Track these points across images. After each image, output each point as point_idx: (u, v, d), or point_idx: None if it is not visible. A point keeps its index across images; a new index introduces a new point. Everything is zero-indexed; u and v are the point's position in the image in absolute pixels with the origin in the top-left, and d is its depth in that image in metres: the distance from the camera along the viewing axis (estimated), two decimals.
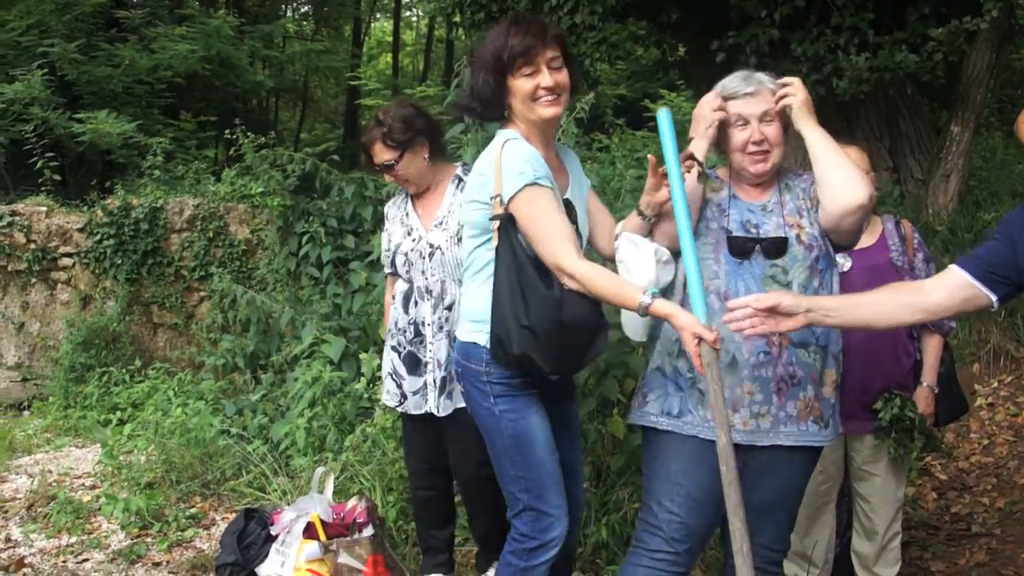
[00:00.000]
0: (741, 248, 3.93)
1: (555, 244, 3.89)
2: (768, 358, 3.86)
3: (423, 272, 5.19)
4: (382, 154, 5.27)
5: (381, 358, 5.80)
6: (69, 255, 11.60)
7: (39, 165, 12.75)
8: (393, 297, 5.43)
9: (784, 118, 4.02)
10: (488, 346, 4.09)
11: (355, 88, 25.23)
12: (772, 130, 4.00)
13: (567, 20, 10.65)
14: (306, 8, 32.55)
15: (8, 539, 6.66)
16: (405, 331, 5.28)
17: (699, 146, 3.98)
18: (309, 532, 5.34)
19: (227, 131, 11.09)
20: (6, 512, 7.17)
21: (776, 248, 3.92)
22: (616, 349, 5.65)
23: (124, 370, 10.44)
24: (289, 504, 6.00)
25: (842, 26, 9.60)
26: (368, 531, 5.42)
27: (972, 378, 8.46)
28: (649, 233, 4.09)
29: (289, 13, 31.25)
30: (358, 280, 8.77)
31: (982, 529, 6.53)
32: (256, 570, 5.45)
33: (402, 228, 5.39)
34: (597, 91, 11.58)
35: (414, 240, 5.25)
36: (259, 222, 11.21)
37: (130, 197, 11.79)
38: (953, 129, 10.51)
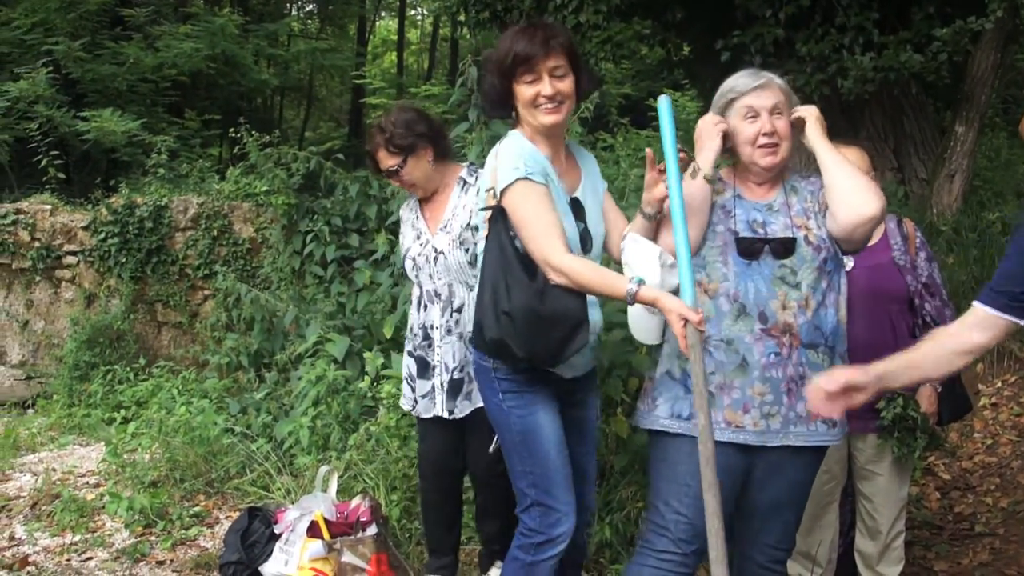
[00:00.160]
0: (749, 249, 3.93)
1: (542, 239, 3.94)
2: (778, 359, 3.86)
3: (431, 276, 5.22)
4: (386, 160, 5.30)
5: (385, 357, 5.81)
6: (73, 253, 11.63)
7: (43, 163, 12.76)
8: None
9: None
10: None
11: (360, 87, 25.25)
12: (782, 123, 4.01)
13: (572, 19, 10.66)
14: (311, 6, 32.55)
15: (12, 537, 6.67)
16: (416, 335, 5.33)
17: (706, 159, 3.99)
18: (313, 531, 5.35)
19: (231, 129, 11.09)
20: (10, 510, 7.17)
21: (785, 248, 3.91)
22: (619, 348, 5.65)
23: (128, 368, 10.44)
24: (293, 503, 6.00)
25: (847, 26, 9.60)
26: (372, 530, 5.43)
27: (976, 378, 8.45)
28: (655, 235, 4.09)
29: (294, 11, 31.26)
30: (362, 279, 8.78)
31: (985, 529, 6.52)
32: (260, 569, 5.46)
33: (412, 231, 5.42)
34: (602, 90, 11.60)
35: (422, 244, 5.28)
36: (263, 220, 11.21)
37: (134, 195, 11.81)
38: (957, 129, 10.51)
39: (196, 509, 7.00)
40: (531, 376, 4.18)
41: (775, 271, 3.90)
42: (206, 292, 11.48)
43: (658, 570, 4.01)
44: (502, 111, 4.35)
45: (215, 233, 11.34)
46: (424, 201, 5.43)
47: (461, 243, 5.05)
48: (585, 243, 4.23)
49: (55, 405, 10.47)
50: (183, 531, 6.65)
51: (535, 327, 3.96)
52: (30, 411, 10.88)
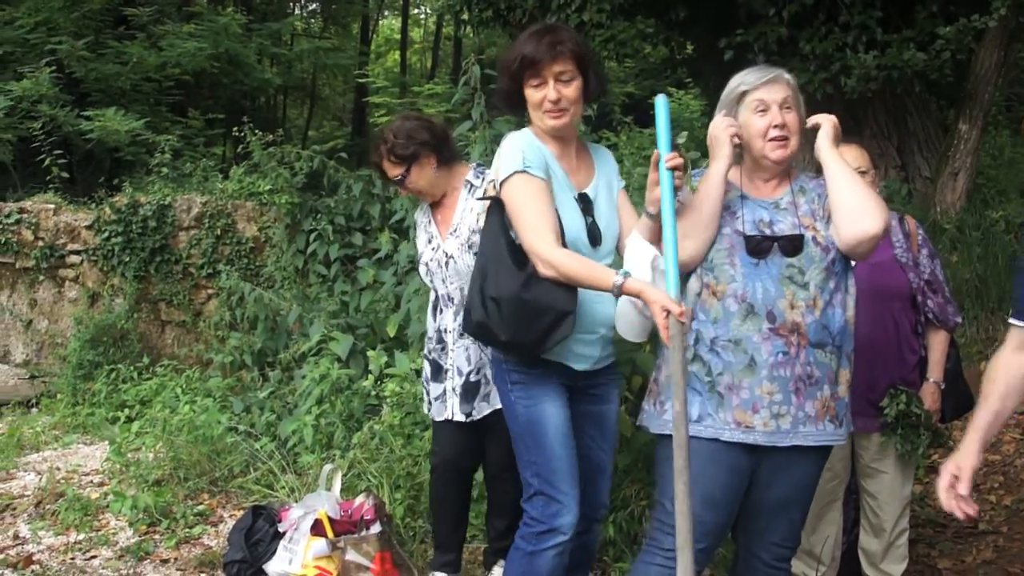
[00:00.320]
0: (757, 248, 3.92)
1: (533, 231, 4.04)
2: (786, 358, 3.85)
3: (443, 280, 5.25)
4: (390, 170, 5.37)
5: (389, 355, 5.84)
6: (77, 252, 11.63)
7: (47, 163, 12.75)
8: None
9: (801, 112, 4.05)
10: None
11: (363, 86, 25.32)
12: (791, 117, 4.01)
13: (575, 18, 10.66)
14: (314, 6, 32.57)
15: (16, 536, 6.68)
16: (432, 339, 5.38)
17: (718, 168, 3.99)
18: (317, 529, 5.35)
19: (235, 128, 11.10)
20: (14, 509, 7.18)
21: (793, 246, 3.91)
22: (623, 346, 5.66)
23: (132, 367, 10.45)
24: (297, 501, 6.01)
25: (850, 24, 9.61)
26: (376, 528, 5.44)
27: (980, 376, 8.41)
28: (658, 234, 4.10)
29: (297, 11, 31.25)
30: (366, 278, 8.79)
31: (989, 527, 6.52)
32: (264, 567, 5.47)
33: (425, 235, 5.47)
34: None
35: (433, 249, 5.32)
36: (267, 219, 11.20)
37: (138, 195, 11.81)
38: (961, 127, 10.52)
39: (200, 508, 7.01)
40: (540, 368, 4.25)
41: (783, 270, 3.89)
42: (210, 291, 11.48)
43: (665, 568, 4.01)
44: (514, 111, 4.43)
45: (219, 232, 11.34)
46: (435, 206, 5.47)
47: (470, 247, 5.07)
48: (595, 239, 4.28)
49: (59, 404, 10.47)
50: (187, 530, 6.66)
51: (519, 315, 4.05)
52: (34, 410, 10.88)
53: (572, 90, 4.18)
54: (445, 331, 5.26)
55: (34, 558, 6.24)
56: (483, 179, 5.17)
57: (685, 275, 4.06)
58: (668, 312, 3.68)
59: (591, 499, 4.44)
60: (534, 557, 4.25)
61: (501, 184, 4.19)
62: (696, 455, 3.92)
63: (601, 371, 4.42)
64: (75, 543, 6.51)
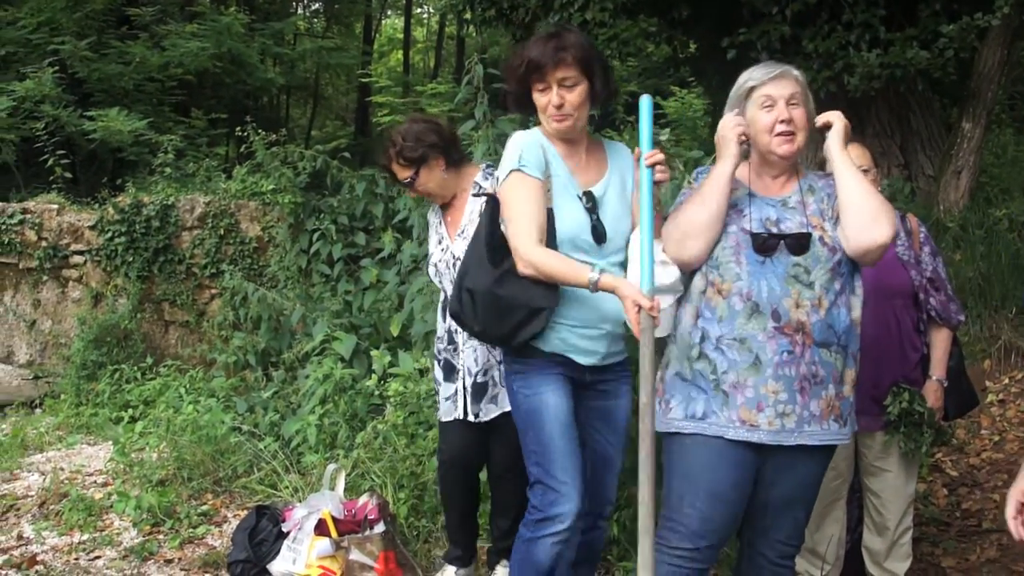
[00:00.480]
0: (764, 245, 3.93)
1: (517, 229, 4.20)
2: (791, 357, 3.86)
3: (452, 281, 5.23)
4: (399, 172, 5.41)
5: (392, 355, 5.86)
6: (80, 253, 11.63)
7: (50, 163, 12.77)
8: None
9: (809, 107, 4.07)
10: None
11: (366, 85, 25.31)
12: (798, 112, 4.03)
13: (578, 16, 10.65)
14: (317, 5, 32.56)
15: (20, 536, 6.68)
16: (442, 339, 5.41)
17: (724, 167, 4.01)
18: (321, 529, 5.36)
19: (238, 128, 11.10)
20: (18, 510, 7.19)
21: (800, 245, 3.92)
22: (626, 345, 5.66)
23: (136, 367, 10.44)
24: (301, 501, 6.02)
25: (853, 22, 9.60)
26: (379, 528, 5.44)
27: (983, 374, 8.45)
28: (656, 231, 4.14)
29: (300, 10, 31.23)
30: (369, 277, 8.80)
31: (993, 525, 6.51)
32: (268, 567, 5.48)
33: (435, 236, 5.52)
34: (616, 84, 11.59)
35: (443, 250, 5.37)
36: (270, 219, 11.20)
37: (141, 195, 11.80)
38: (964, 125, 10.51)
39: (204, 507, 7.02)
40: (544, 360, 4.32)
41: (789, 269, 3.90)
42: (213, 291, 11.47)
43: (673, 567, 4.03)
44: (524, 111, 4.55)
45: (222, 232, 11.33)
46: (445, 207, 5.50)
47: None
48: (599, 236, 4.31)
49: (63, 404, 10.48)
50: (191, 529, 6.66)
51: (491, 308, 4.27)
52: (38, 411, 10.88)
53: (576, 95, 4.25)
54: (456, 331, 5.26)
55: (38, 558, 6.25)
56: (490, 180, 5.18)
57: (689, 273, 4.08)
58: (640, 307, 3.79)
59: (597, 495, 4.47)
60: (531, 544, 4.31)
61: (500, 182, 4.31)
62: (701, 452, 3.95)
63: (610, 367, 4.45)
64: (79, 543, 6.52)
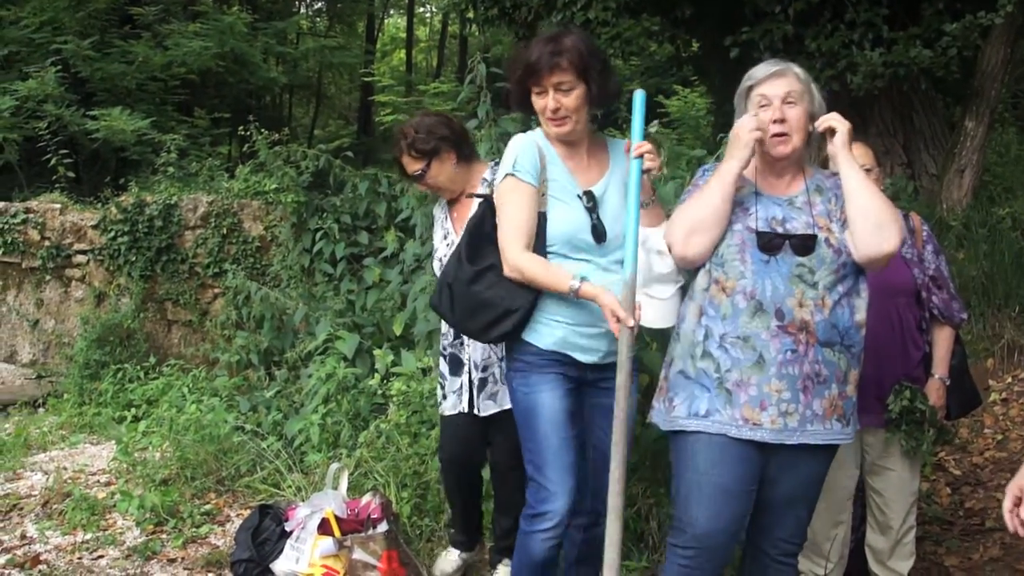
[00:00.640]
0: (769, 244, 3.93)
1: (506, 234, 4.32)
2: (795, 356, 3.86)
3: None
4: (410, 165, 5.42)
5: (395, 354, 5.88)
6: (83, 252, 11.63)
7: (53, 162, 12.78)
8: None
9: (812, 104, 4.07)
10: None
11: (369, 84, 25.37)
12: (794, 112, 4.02)
13: (580, 16, 10.67)
14: (319, 4, 32.55)
15: (24, 536, 6.67)
16: (447, 335, 5.44)
17: (731, 166, 4.00)
18: (323, 528, 5.36)
19: (241, 128, 11.08)
20: (21, 509, 7.18)
21: (805, 246, 3.92)
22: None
23: (138, 367, 10.44)
24: (303, 500, 6.01)
25: (856, 22, 9.61)
26: (382, 527, 5.44)
27: (986, 373, 8.45)
28: (654, 222, 4.31)
29: (303, 9, 31.24)
30: (372, 276, 8.80)
31: (996, 524, 6.51)
32: (271, 566, 5.47)
33: (441, 231, 5.57)
34: (619, 84, 11.60)
35: (448, 245, 5.38)
36: (273, 218, 11.20)
37: (144, 194, 11.80)
38: (967, 124, 10.51)
39: (207, 507, 7.01)
40: (544, 358, 4.37)
41: (793, 269, 3.90)
42: (216, 290, 11.48)
43: (684, 568, 4.05)
44: (524, 111, 4.56)
45: (225, 231, 11.34)
46: (453, 202, 5.53)
47: None
48: (599, 236, 4.32)
49: (66, 404, 10.47)
50: (194, 529, 6.65)
51: (466, 305, 4.44)
52: (41, 410, 10.86)
53: (572, 99, 4.28)
54: None
55: (41, 558, 6.25)
56: None
57: (693, 271, 4.09)
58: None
59: (600, 492, 4.47)
60: (526, 538, 4.42)
61: (498, 185, 4.40)
62: (705, 450, 3.96)
63: (613, 365, 4.43)
64: (82, 543, 6.51)
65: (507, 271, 4.28)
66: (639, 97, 4.21)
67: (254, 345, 9.52)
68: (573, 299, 4.21)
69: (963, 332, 5.45)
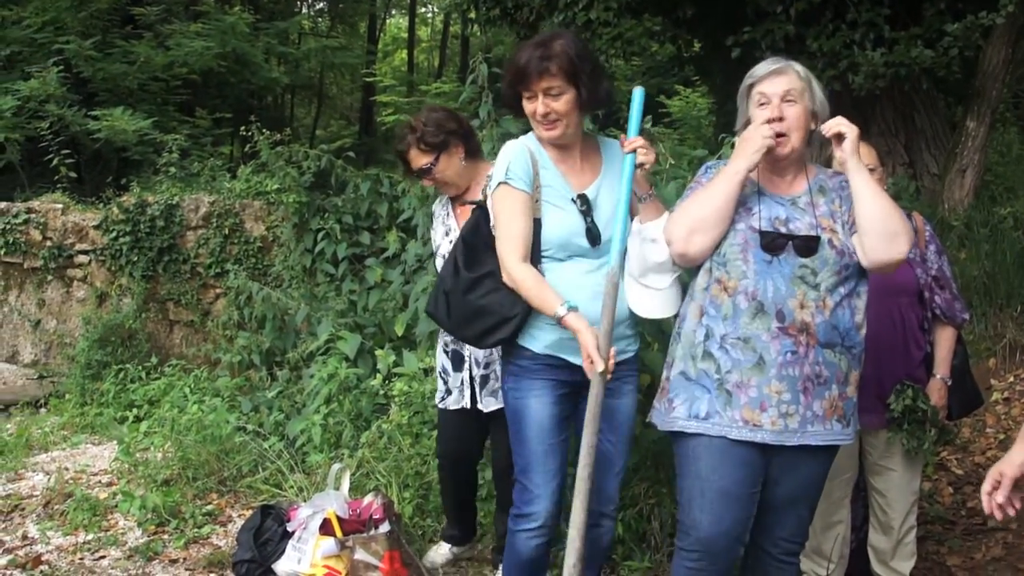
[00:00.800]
0: (772, 244, 3.91)
1: (504, 242, 4.32)
2: (795, 357, 3.84)
3: None
4: (418, 159, 5.41)
5: (397, 354, 5.89)
6: (85, 252, 11.64)
7: (55, 162, 12.80)
8: None
9: (812, 102, 4.06)
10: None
11: (370, 84, 25.37)
12: (793, 110, 4.00)
13: (582, 16, 10.67)
14: (321, 4, 32.59)
15: (25, 536, 6.68)
16: None
17: (739, 167, 3.97)
18: (325, 528, 5.36)
19: (242, 128, 11.09)
20: (23, 510, 7.18)
21: (808, 247, 3.90)
22: (630, 343, 5.66)
23: (140, 367, 10.45)
24: (305, 501, 6.02)
25: (858, 22, 9.61)
26: (384, 527, 5.44)
27: (988, 373, 8.45)
28: (653, 214, 4.34)
29: (304, 10, 31.27)
30: (373, 276, 8.80)
31: (998, 524, 6.49)
32: (273, 567, 5.47)
33: (443, 228, 5.57)
34: (612, 87, 11.61)
35: (450, 242, 5.33)
36: (275, 219, 11.21)
37: (146, 194, 11.82)
38: (969, 124, 10.51)
39: (209, 507, 7.01)
40: (537, 363, 4.39)
41: (795, 270, 3.88)
42: (218, 290, 11.49)
43: (690, 570, 4.06)
44: (518, 114, 4.53)
45: (226, 231, 11.35)
46: (455, 199, 5.54)
47: None
48: (594, 239, 4.32)
49: (67, 404, 10.47)
50: (196, 529, 6.65)
51: (463, 312, 4.46)
52: (43, 410, 10.87)
53: (562, 104, 4.26)
54: None
55: (43, 558, 6.25)
56: None
57: (694, 269, 4.09)
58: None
59: (597, 492, 4.48)
60: (512, 537, 4.50)
61: (491, 192, 4.40)
62: (707, 454, 3.95)
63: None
64: (84, 543, 6.51)
65: (504, 279, 4.29)
66: (638, 94, 4.25)
67: (256, 345, 9.52)
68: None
69: (965, 332, 5.45)
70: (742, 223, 3.99)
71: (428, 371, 6.86)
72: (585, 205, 4.33)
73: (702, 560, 4.01)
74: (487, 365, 5.25)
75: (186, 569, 6.11)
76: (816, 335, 3.84)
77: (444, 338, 5.47)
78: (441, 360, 5.53)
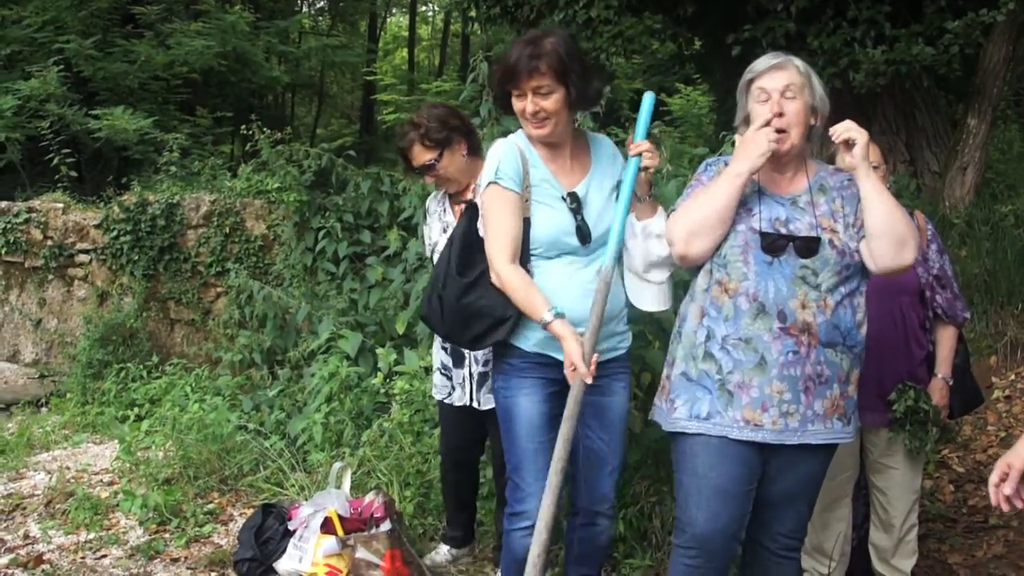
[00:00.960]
0: (773, 245, 3.89)
1: (493, 243, 4.30)
2: (796, 358, 3.83)
3: None
4: (421, 155, 5.38)
5: (398, 353, 5.89)
6: (86, 251, 11.64)
7: (56, 162, 12.79)
8: None
9: (812, 98, 4.03)
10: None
11: (371, 83, 25.40)
12: (792, 106, 3.96)
13: (583, 14, 10.67)
14: (322, 3, 32.60)
15: (27, 535, 6.68)
16: None
17: (742, 169, 3.92)
18: (327, 527, 5.35)
19: (243, 127, 11.10)
20: (25, 509, 7.18)
21: (808, 248, 3.88)
22: (632, 343, 5.65)
23: (141, 366, 10.46)
24: (307, 499, 6.01)
25: (858, 19, 9.62)
26: (385, 526, 5.44)
27: (989, 370, 8.45)
28: (652, 213, 4.34)
29: (305, 8, 31.28)
30: (374, 275, 8.79)
31: (999, 522, 6.51)
32: (274, 565, 5.47)
33: (439, 224, 5.54)
34: (613, 85, 11.60)
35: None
36: (275, 218, 11.21)
37: (146, 193, 11.83)
38: (970, 122, 10.51)
39: (210, 506, 7.01)
40: (526, 361, 4.40)
41: (796, 270, 3.86)
42: (218, 289, 11.50)
43: (687, 567, 4.06)
44: (508, 113, 4.52)
45: (227, 230, 11.36)
46: (453, 196, 5.53)
47: None
48: (584, 237, 4.33)
49: (69, 403, 10.48)
50: (197, 528, 6.65)
51: (457, 316, 4.45)
52: (44, 409, 10.88)
53: (551, 102, 4.24)
54: None
55: (44, 557, 6.25)
56: None
57: (695, 270, 4.08)
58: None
59: (592, 491, 4.51)
60: (507, 535, 4.52)
61: (481, 192, 4.39)
62: (705, 452, 3.95)
63: (603, 363, 4.42)
64: (85, 542, 6.51)
65: (493, 279, 4.28)
66: (648, 99, 4.27)
67: (257, 344, 9.52)
68: (557, 299, 4.19)
69: (966, 330, 5.45)
70: (742, 224, 3.97)
71: (429, 369, 6.85)
72: (575, 203, 4.33)
73: (699, 557, 4.01)
74: (486, 363, 5.21)
75: (187, 568, 6.11)
76: (818, 335, 3.82)
77: None
78: (440, 356, 5.52)
